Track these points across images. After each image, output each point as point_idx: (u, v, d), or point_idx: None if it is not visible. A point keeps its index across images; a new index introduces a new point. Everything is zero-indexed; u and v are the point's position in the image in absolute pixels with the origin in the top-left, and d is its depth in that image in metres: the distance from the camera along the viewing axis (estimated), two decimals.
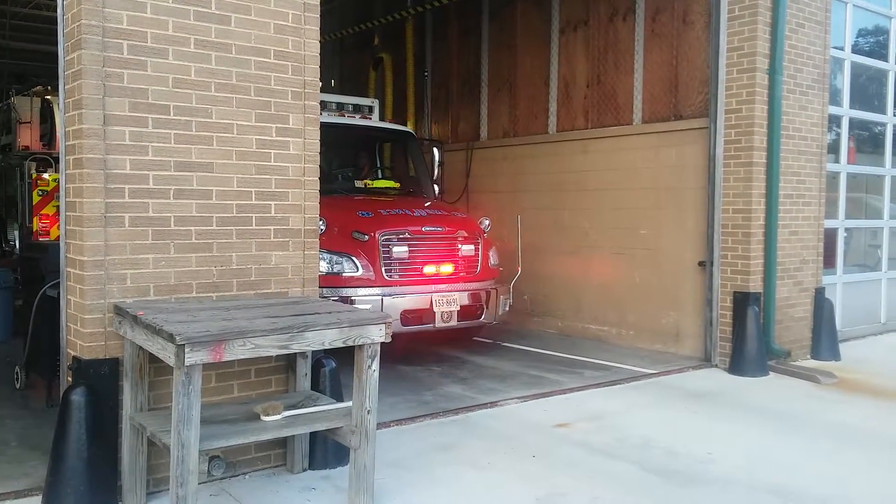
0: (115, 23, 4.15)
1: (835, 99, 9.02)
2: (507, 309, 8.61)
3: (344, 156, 10.17)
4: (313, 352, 4.66)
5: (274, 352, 3.83)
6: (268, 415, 4.07)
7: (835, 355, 8.37)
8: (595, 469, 4.97)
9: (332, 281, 7.35)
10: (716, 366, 7.95)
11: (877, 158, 10.18)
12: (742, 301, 7.78)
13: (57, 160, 5.76)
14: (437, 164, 9.87)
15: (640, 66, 9.28)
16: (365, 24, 13.31)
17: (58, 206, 5.44)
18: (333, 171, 9.58)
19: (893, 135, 10.17)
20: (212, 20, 4.47)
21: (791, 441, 5.62)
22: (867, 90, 10.08)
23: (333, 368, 4.87)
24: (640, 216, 9.10)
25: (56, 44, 4.39)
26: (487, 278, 8.42)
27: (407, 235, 7.88)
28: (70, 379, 4.27)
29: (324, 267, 7.36)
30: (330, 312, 4.24)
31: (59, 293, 4.56)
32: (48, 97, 12.71)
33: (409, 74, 12.38)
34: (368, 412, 4.06)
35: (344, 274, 7.55)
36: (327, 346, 3.96)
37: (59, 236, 4.60)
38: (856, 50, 9.60)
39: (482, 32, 11.43)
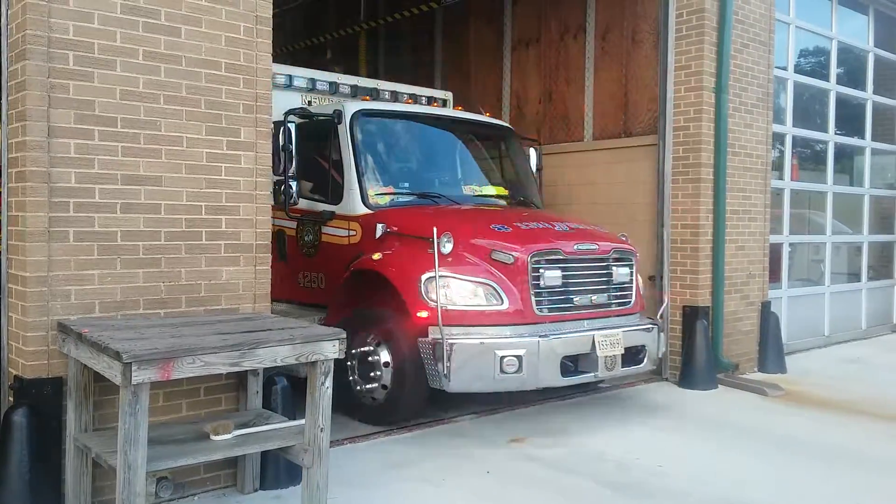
0: (60, 33, 4.06)
1: (779, 117, 9.25)
2: (666, 349, 7.17)
3: (439, 155, 7.98)
4: (265, 369, 4.59)
5: (225, 369, 3.76)
6: (217, 434, 4.00)
7: (781, 368, 8.54)
8: (549, 483, 4.98)
9: (466, 318, 5.79)
10: (666, 379, 8.04)
11: (819, 175, 10.48)
12: (691, 315, 7.89)
13: None
14: (535, 168, 8.41)
15: (590, 83, 9.41)
16: (317, 37, 13.26)
17: None
18: (431, 174, 7.68)
19: (834, 152, 10.48)
20: (161, 31, 4.41)
21: (741, 453, 5.71)
22: (809, 109, 10.37)
23: (286, 386, 4.79)
24: None
25: None
26: (641, 310, 6.88)
27: (561, 256, 6.17)
28: (12, 399, 4.15)
29: (460, 299, 5.82)
30: (283, 329, 4.18)
31: None
32: None
33: None
34: (321, 430, 4.01)
35: (484, 308, 5.86)
36: (280, 364, 3.90)
37: None
38: (798, 70, 9.89)
39: (435, 48, 11.49)
